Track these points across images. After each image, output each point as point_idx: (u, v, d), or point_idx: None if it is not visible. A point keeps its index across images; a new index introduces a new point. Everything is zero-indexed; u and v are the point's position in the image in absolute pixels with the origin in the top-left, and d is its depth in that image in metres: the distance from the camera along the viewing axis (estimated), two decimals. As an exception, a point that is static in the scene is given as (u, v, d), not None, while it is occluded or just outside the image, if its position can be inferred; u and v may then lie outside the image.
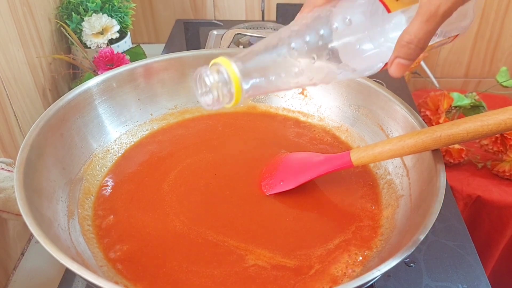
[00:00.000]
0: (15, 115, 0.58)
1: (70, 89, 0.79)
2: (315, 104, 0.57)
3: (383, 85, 0.52)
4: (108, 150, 0.52)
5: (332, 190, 0.48)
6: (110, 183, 0.49)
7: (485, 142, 0.83)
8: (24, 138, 0.61)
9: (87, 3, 0.72)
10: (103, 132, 0.52)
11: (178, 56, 0.56)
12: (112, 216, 0.45)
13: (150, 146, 0.54)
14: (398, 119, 0.49)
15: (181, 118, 0.57)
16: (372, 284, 0.35)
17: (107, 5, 0.74)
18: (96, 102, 0.51)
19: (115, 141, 0.53)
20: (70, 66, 0.74)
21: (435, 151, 0.42)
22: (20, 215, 0.46)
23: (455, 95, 0.88)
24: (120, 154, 0.52)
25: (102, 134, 0.52)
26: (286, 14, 0.89)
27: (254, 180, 0.48)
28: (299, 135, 0.55)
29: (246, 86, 0.32)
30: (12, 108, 0.58)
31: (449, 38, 0.36)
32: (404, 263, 0.50)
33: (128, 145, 0.53)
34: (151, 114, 0.56)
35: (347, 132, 0.55)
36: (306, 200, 0.46)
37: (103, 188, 0.48)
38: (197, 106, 0.57)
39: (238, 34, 0.73)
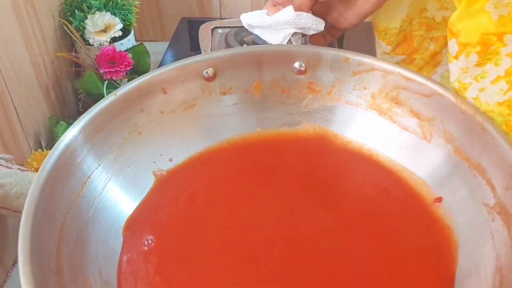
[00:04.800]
0: (17, 112, 0.58)
1: (73, 87, 0.76)
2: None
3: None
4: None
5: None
6: None
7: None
8: (25, 134, 0.57)
9: (91, 1, 0.72)
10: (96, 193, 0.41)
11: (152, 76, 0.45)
12: None
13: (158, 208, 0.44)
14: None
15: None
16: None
17: (110, 3, 0.74)
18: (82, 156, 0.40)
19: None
20: (72, 64, 0.74)
21: None
22: (19, 211, 0.45)
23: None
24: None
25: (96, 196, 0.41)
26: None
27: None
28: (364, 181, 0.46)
29: None
30: (14, 105, 0.58)
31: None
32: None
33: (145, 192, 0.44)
34: (154, 162, 0.46)
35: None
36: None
37: None
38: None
39: (214, 28, 0.67)
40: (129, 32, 0.78)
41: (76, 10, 0.72)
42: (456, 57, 0.39)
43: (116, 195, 0.42)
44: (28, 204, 0.33)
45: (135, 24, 0.79)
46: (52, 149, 0.37)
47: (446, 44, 0.55)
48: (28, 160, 0.59)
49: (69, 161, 0.38)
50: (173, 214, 0.43)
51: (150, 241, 0.40)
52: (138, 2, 0.79)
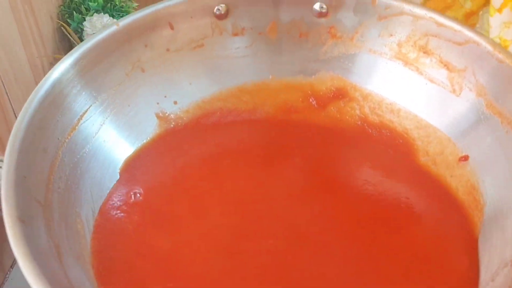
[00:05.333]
0: (15, 114, 0.56)
1: None
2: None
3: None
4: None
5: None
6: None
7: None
8: None
9: (89, 2, 0.72)
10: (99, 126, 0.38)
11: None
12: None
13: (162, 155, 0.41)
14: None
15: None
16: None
17: (109, 5, 0.73)
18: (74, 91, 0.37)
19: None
20: None
21: None
22: None
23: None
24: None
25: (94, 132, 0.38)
26: None
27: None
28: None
29: None
30: (12, 107, 0.56)
31: None
32: None
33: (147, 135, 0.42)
34: (157, 103, 0.43)
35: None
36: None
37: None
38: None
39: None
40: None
41: (74, 12, 0.70)
42: (499, 10, 0.35)
43: (116, 133, 0.39)
44: (14, 136, 0.30)
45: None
46: (43, 79, 0.34)
47: (484, 4, 0.51)
48: (27, 161, 0.58)
49: (63, 92, 0.35)
50: (170, 174, 0.40)
51: (139, 195, 0.38)
52: (136, 4, 0.76)
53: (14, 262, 0.52)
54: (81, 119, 0.37)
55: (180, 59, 0.44)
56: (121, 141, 0.40)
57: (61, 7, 0.72)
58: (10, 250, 0.52)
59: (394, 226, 0.36)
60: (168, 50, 0.43)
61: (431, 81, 0.42)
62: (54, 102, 0.34)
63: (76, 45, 0.72)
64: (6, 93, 0.54)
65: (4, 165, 0.28)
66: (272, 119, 0.45)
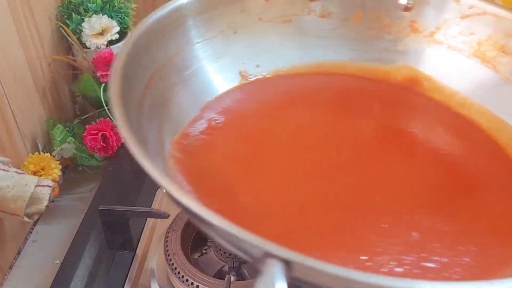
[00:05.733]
0: (14, 115, 0.58)
1: (70, 90, 0.73)
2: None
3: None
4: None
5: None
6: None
7: None
8: (22, 137, 0.57)
9: (88, 3, 0.73)
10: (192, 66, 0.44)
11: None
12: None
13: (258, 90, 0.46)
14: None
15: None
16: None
17: (107, 6, 0.74)
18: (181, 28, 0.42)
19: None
20: (70, 66, 0.73)
21: None
22: (16, 214, 0.46)
23: None
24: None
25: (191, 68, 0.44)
26: None
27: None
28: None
29: None
30: (11, 107, 0.57)
31: None
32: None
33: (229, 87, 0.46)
34: (242, 63, 0.47)
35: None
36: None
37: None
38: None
39: None
40: (126, 35, 0.76)
41: (73, 13, 0.71)
42: None
43: (203, 77, 0.44)
44: (129, 38, 0.36)
45: (132, 27, 0.76)
46: (162, 7, 0.40)
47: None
48: (25, 163, 0.56)
49: (174, 23, 0.41)
50: (249, 109, 0.45)
51: (220, 122, 0.42)
52: (135, 5, 0.77)
53: (13, 263, 0.54)
54: (176, 56, 0.42)
55: (269, 29, 0.48)
56: (207, 86, 0.44)
57: (60, 8, 0.72)
58: (9, 251, 0.55)
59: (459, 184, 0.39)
60: (260, 19, 0.48)
61: (506, 79, 0.43)
62: (162, 28, 0.39)
63: (75, 46, 0.69)
64: (5, 93, 0.54)
65: (116, 59, 0.33)
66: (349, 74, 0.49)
